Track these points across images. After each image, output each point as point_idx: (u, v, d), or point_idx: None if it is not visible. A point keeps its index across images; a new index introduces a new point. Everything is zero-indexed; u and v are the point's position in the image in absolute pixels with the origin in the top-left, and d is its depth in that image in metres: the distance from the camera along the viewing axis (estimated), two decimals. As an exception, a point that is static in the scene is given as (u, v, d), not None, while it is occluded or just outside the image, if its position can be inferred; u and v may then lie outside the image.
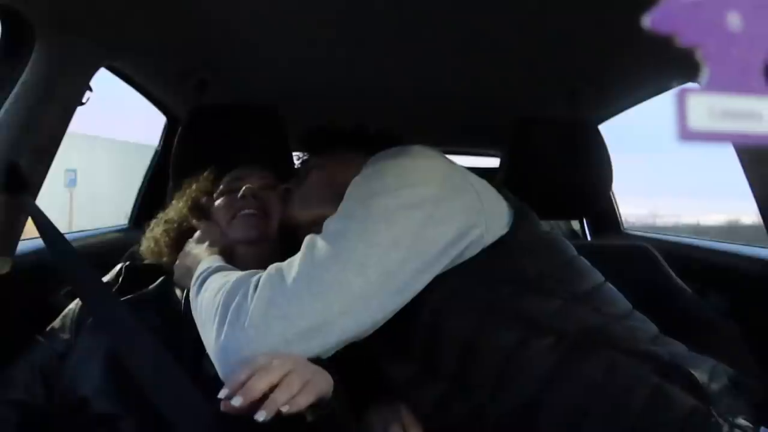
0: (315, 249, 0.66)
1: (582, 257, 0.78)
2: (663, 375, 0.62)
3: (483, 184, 0.76)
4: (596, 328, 0.67)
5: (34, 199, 0.98)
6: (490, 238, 0.70)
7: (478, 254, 0.70)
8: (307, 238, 0.69)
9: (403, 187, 0.68)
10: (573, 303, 0.69)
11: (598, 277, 0.77)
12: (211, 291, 0.70)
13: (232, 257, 0.91)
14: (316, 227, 0.73)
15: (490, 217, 0.71)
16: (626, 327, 0.69)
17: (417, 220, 0.66)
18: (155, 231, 0.99)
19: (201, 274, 0.77)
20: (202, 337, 0.69)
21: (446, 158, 0.77)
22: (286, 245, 0.93)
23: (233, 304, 0.64)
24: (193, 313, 0.74)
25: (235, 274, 0.71)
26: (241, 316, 0.63)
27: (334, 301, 0.63)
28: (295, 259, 0.67)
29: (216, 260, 0.81)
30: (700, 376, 0.63)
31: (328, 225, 0.70)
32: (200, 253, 0.86)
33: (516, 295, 0.68)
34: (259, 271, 0.69)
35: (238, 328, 0.62)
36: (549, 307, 0.68)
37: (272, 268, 0.67)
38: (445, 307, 0.69)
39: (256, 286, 0.65)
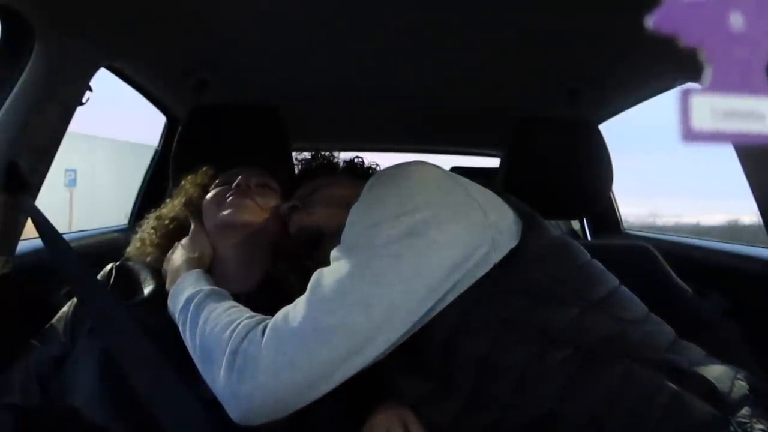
0: (320, 289, 0.66)
1: (595, 260, 0.77)
2: (681, 383, 0.62)
3: (487, 196, 0.73)
4: (613, 336, 0.66)
5: (34, 199, 0.98)
6: (498, 255, 0.69)
7: (489, 270, 0.68)
8: (314, 276, 0.68)
9: (405, 214, 0.67)
10: (589, 311, 0.68)
11: (613, 280, 0.75)
12: (215, 327, 0.70)
13: (214, 264, 0.91)
14: (328, 243, 0.74)
15: (497, 233, 0.69)
16: (644, 333, 0.69)
17: (420, 248, 0.65)
18: (144, 230, 1.00)
19: (192, 297, 0.77)
20: (204, 372, 0.69)
21: (447, 173, 0.75)
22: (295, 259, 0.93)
23: (241, 350, 0.65)
24: (187, 339, 0.74)
25: (239, 313, 0.71)
26: (250, 363, 0.63)
27: (341, 345, 0.63)
28: (301, 302, 0.66)
29: (200, 278, 0.81)
30: (719, 383, 0.62)
31: (332, 258, 0.69)
32: (181, 264, 0.86)
33: (530, 307, 0.67)
34: (266, 317, 0.69)
35: (248, 377, 0.63)
36: (565, 318, 0.67)
37: (279, 315, 0.67)
38: (460, 325, 0.68)
39: (264, 333, 0.65)
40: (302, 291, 0.68)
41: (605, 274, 0.76)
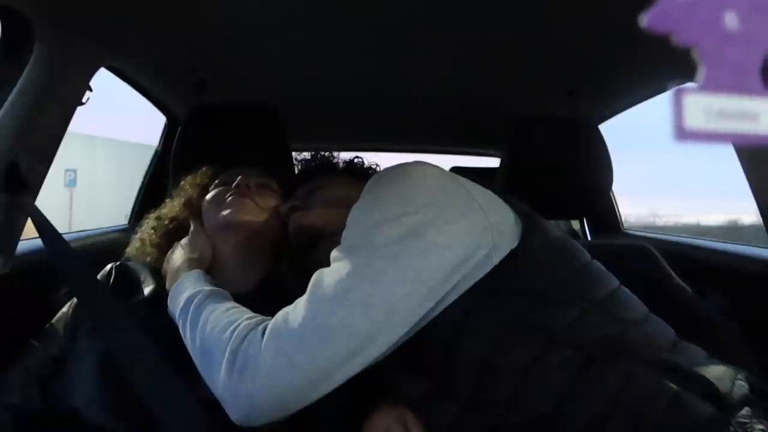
0: (320, 289, 0.66)
1: (596, 261, 0.77)
2: (681, 383, 0.62)
3: (488, 197, 0.73)
4: (614, 337, 0.66)
5: (34, 199, 0.98)
6: (498, 256, 0.68)
7: (489, 271, 0.68)
8: (314, 277, 0.68)
9: (405, 214, 0.67)
10: (589, 311, 0.67)
11: (613, 281, 0.75)
12: (215, 328, 0.70)
13: (214, 264, 0.91)
14: (325, 242, 0.74)
15: (498, 234, 0.69)
16: (644, 333, 0.69)
17: (420, 249, 0.65)
18: (144, 230, 1.00)
19: (192, 297, 0.77)
20: (204, 373, 0.69)
21: (447, 173, 0.75)
22: (296, 258, 0.93)
23: (241, 351, 0.65)
24: (187, 339, 0.74)
25: (239, 314, 0.71)
26: (250, 364, 0.63)
27: (341, 345, 0.63)
28: (301, 303, 0.66)
29: (200, 278, 0.81)
30: (720, 383, 0.62)
31: (333, 259, 0.69)
32: (181, 264, 0.86)
33: (531, 308, 0.67)
34: (266, 318, 0.69)
35: (248, 378, 0.63)
36: (565, 318, 0.66)
37: (279, 315, 0.67)
38: (460, 326, 0.68)
39: (264, 333, 0.65)
40: (302, 291, 0.68)
41: (605, 275, 0.76)
